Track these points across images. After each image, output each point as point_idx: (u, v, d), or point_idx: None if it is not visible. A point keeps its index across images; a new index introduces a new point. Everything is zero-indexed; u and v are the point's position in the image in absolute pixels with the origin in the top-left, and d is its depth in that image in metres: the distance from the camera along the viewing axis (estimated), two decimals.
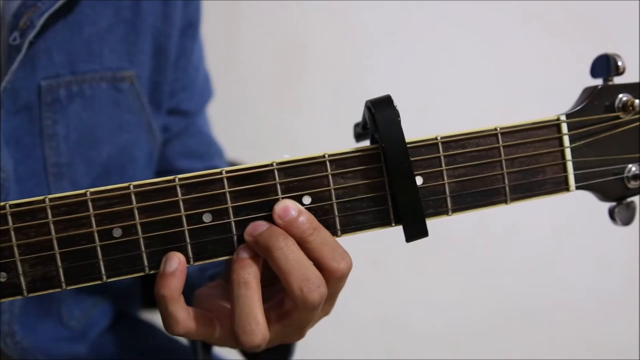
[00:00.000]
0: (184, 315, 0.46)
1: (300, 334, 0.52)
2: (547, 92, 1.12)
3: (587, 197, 0.55)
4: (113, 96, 0.65)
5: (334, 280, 0.46)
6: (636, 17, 1.18)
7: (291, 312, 0.47)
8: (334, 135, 0.80)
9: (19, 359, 0.64)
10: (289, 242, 0.45)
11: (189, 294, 0.50)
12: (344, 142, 0.52)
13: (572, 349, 1.37)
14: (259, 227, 0.45)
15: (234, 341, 0.48)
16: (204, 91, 0.81)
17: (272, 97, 1.27)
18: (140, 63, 0.67)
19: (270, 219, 0.46)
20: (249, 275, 0.45)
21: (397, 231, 0.48)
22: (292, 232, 0.45)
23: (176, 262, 0.45)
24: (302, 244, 0.45)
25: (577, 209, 1.13)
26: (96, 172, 0.65)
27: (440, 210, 0.49)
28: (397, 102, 0.46)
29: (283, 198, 0.47)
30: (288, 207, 0.45)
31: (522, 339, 1.38)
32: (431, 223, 0.48)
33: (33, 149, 0.61)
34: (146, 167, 0.71)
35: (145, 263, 0.45)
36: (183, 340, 0.80)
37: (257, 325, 0.45)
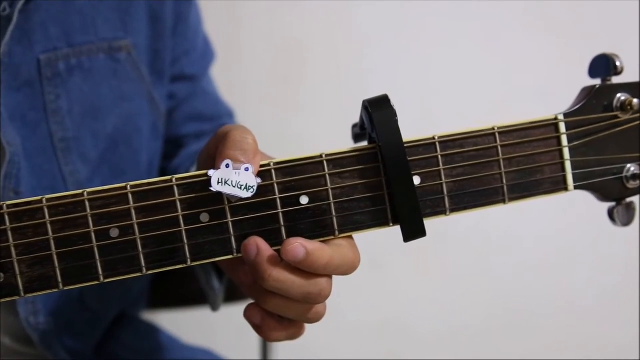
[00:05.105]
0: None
1: None
2: (546, 92, 1.12)
3: (587, 199, 0.55)
4: (111, 67, 0.65)
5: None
6: (636, 17, 1.17)
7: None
8: (333, 136, 0.80)
9: (39, 338, 0.63)
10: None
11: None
12: (343, 143, 0.52)
13: (573, 349, 1.37)
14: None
15: None
16: (205, 53, 0.80)
17: (270, 97, 1.27)
18: (136, 32, 0.67)
19: (267, 219, 0.46)
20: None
21: (398, 234, 0.48)
22: (302, 267, 0.45)
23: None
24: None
25: (578, 211, 1.13)
26: (104, 144, 0.65)
27: (438, 210, 0.49)
28: (395, 102, 0.46)
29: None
30: (295, 249, 0.44)
31: (523, 340, 1.38)
32: (432, 225, 0.48)
33: (39, 125, 0.61)
34: (151, 137, 0.71)
35: (143, 263, 0.45)
36: (183, 340, 0.80)
37: (323, 289, 0.46)
